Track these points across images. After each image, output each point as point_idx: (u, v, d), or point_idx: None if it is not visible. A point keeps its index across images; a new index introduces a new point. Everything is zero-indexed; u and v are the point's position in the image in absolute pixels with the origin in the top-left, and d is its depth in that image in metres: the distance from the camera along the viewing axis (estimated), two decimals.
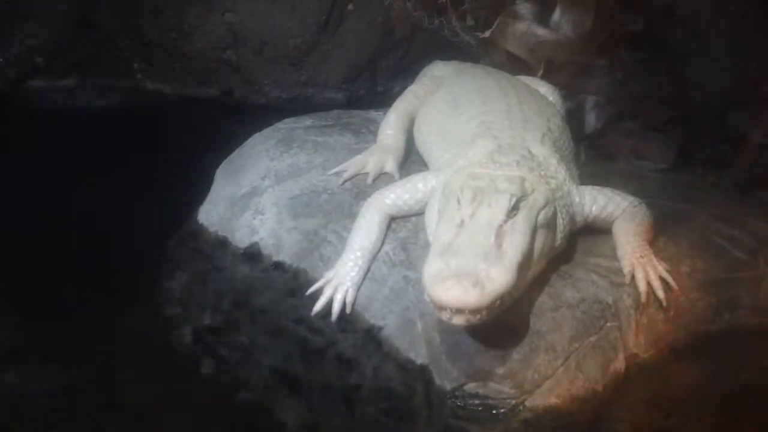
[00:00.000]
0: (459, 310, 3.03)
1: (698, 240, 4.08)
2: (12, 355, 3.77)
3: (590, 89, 5.37)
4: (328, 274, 3.85)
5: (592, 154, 5.05)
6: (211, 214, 4.53)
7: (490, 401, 3.41)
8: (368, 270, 3.85)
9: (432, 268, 3.12)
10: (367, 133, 4.74)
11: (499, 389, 3.39)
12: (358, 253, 3.84)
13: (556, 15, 5.53)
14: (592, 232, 3.94)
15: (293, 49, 6.26)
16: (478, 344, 3.41)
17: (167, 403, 3.54)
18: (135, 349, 3.79)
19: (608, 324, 3.62)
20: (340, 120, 4.94)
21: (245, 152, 4.68)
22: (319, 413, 3.53)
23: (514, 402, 3.40)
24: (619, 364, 3.60)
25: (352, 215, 4.05)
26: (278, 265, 4.16)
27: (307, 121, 4.89)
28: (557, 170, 3.76)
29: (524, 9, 5.63)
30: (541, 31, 5.57)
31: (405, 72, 6.13)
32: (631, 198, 3.91)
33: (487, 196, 3.36)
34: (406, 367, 3.57)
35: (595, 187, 3.95)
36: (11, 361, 3.71)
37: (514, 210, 3.34)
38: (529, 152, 3.74)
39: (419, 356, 3.55)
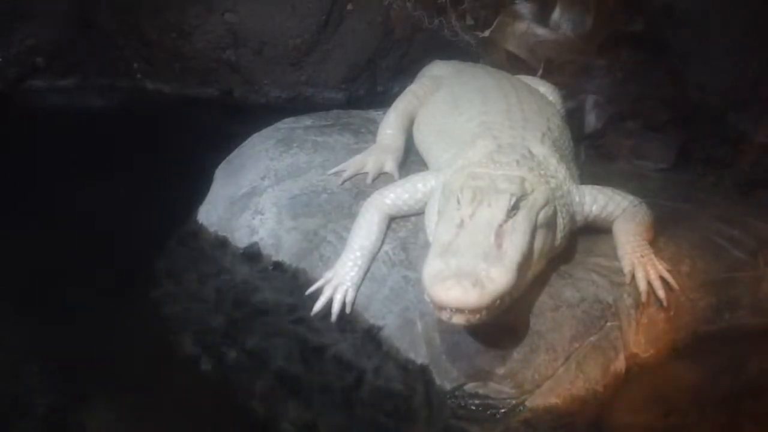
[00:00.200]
0: (459, 310, 3.03)
1: (698, 240, 4.08)
2: (12, 354, 3.76)
3: (590, 89, 5.37)
4: (328, 274, 3.85)
5: (592, 153, 5.06)
6: (211, 214, 4.53)
7: (491, 401, 3.41)
8: (368, 270, 3.85)
9: (432, 268, 3.11)
10: (367, 133, 4.74)
11: (500, 389, 3.39)
12: (358, 253, 3.84)
13: (556, 14, 5.53)
14: (592, 232, 3.94)
15: (293, 49, 6.26)
16: (478, 344, 3.41)
17: (167, 403, 3.54)
18: (135, 349, 3.79)
19: (608, 324, 3.62)
20: (339, 120, 4.94)
21: (245, 152, 4.68)
22: (319, 413, 3.52)
23: (514, 402, 3.40)
24: (620, 363, 3.59)
25: (351, 215, 4.05)
26: (278, 265, 4.16)
27: (306, 121, 4.89)
28: (557, 170, 3.76)
29: (524, 8, 5.63)
30: (540, 31, 5.57)
31: (405, 72, 6.13)
32: (631, 197, 3.90)
33: (487, 196, 3.36)
34: (406, 367, 3.57)
35: (596, 186, 3.94)
36: (11, 361, 3.70)
37: (514, 210, 3.34)
38: (529, 152, 3.74)
39: (419, 356, 3.55)
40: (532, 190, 3.48)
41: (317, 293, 3.82)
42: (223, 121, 6.09)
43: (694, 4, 5.33)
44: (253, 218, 4.30)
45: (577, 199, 3.81)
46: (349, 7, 6.27)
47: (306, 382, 3.63)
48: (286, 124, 4.84)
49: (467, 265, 3.09)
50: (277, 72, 6.32)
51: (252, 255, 4.24)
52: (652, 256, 3.78)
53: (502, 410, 3.40)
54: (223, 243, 4.38)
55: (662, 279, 3.74)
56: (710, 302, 3.92)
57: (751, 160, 5.02)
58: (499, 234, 3.24)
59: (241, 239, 4.30)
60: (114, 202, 4.84)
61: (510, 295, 3.15)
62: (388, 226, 3.95)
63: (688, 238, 4.06)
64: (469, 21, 5.94)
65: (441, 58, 5.41)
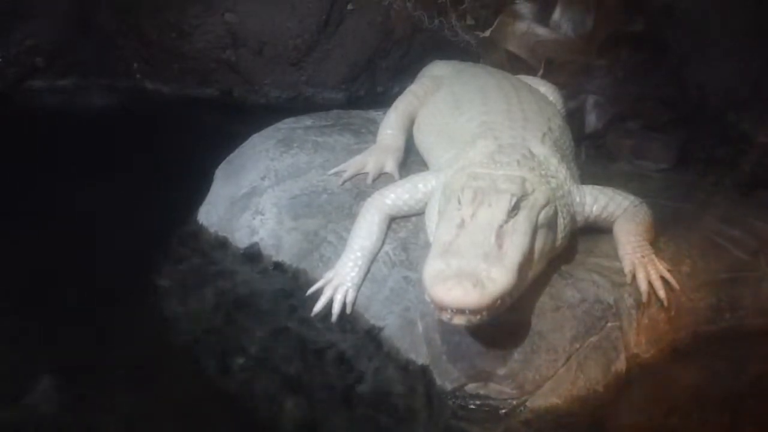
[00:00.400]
0: (459, 311, 3.02)
1: (699, 240, 4.07)
2: (12, 354, 3.75)
3: (591, 89, 5.37)
4: (328, 275, 3.85)
5: (593, 154, 5.06)
6: (211, 214, 4.53)
7: (491, 402, 3.40)
8: (368, 270, 3.85)
9: (432, 268, 3.11)
10: (367, 133, 4.74)
11: (500, 390, 3.39)
12: (358, 254, 3.84)
13: (557, 14, 5.53)
14: (593, 232, 3.93)
15: (293, 49, 6.26)
16: (479, 345, 3.41)
17: (167, 403, 3.54)
18: (135, 349, 3.78)
19: (609, 324, 3.62)
20: (339, 120, 4.94)
21: (245, 152, 4.68)
22: (319, 414, 3.51)
23: (515, 402, 3.40)
24: (621, 364, 3.59)
25: (352, 216, 4.05)
26: (278, 266, 4.16)
27: (306, 121, 4.88)
28: (558, 170, 3.75)
29: (524, 8, 5.63)
30: (541, 31, 5.57)
31: (405, 72, 6.12)
32: (632, 198, 3.90)
33: (488, 196, 3.36)
34: (406, 367, 3.56)
35: (596, 186, 3.94)
36: (11, 361, 3.70)
37: (514, 210, 3.34)
38: (530, 152, 3.73)
39: (420, 357, 3.54)
40: (533, 191, 3.48)
41: (317, 294, 3.82)
42: (223, 122, 6.08)
43: (694, 4, 5.34)
44: (254, 218, 4.30)
45: (577, 199, 3.80)
46: (349, 7, 6.26)
47: (306, 383, 3.62)
48: (286, 125, 4.83)
49: (468, 265, 3.09)
50: (277, 72, 6.32)
51: (252, 255, 4.23)
52: (653, 256, 3.77)
53: (503, 411, 3.39)
54: (223, 243, 4.38)
55: (663, 279, 3.73)
56: (711, 302, 3.91)
57: (752, 161, 5.02)
58: (499, 234, 3.24)
59: (241, 239, 4.30)
60: (114, 202, 4.83)
61: (511, 295, 3.15)
62: (389, 227, 3.95)
63: (688, 238, 4.06)
64: (470, 21, 5.93)
65: (441, 58, 5.41)
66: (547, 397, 3.42)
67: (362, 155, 4.41)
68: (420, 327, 3.57)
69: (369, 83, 6.35)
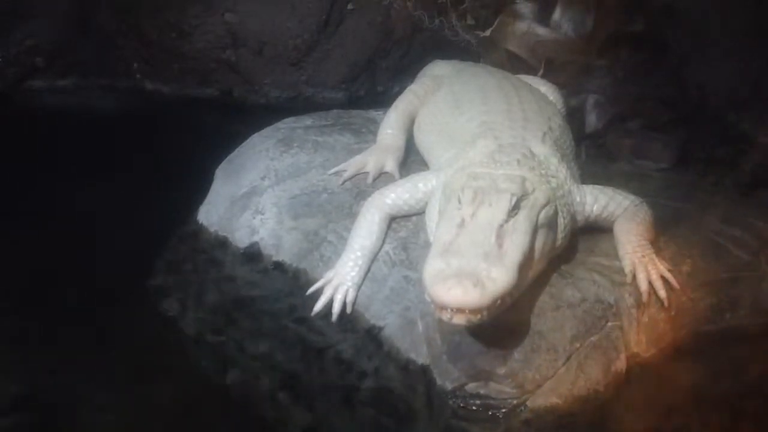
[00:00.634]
0: (460, 310, 3.02)
1: (699, 240, 4.07)
2: (11, 354, 3.75)
3: (591, 89, 5.37)
4: (329, 274, 3.85)
5: (593, 153, 5.06)
6: (211, 214, 4.53)
7: (492, 401, 3.40)
8: (368, 270, 3.85)
9: (432, 267, 3.11)
10: (367, 133, 4.74)
11: (501, 389, 3.38)
12: (359, 253, 3.84)
13: (557, 14, 5.54)
14: (593, 232, 3.93)
15: (293, 49, 6.27)
16: (479, 344, 3.40)
17: (167, 403, 3.54)
18: (134, 349, 3.78)
19: (609, 323, 3.61)
20: (340, 120, 4.94)
21: (245, 152, 4.67)
22: (319, 413, 3.52)
23: (515, 402, 3.39)
24: (621, 363, 3.59)
25: (352, 215, 4.05)
26: (278, 265, 4.16)
27: (307, 120, 4.88)
28: (558, 169, 3.75)
29: (525, 8, 5.64)
30: (541, 31, 5.58)
31: (405, 71, 6.13)
32: (632, 197, 3.90)
33: (488, 196, 3.36)
34: (406, 367, 3.56)
35: (597, 186, 3.94)
36: (11, 361, 3.70)
37: (514, 209, 3.33)
38: (530, 152, 3.73)
39: (420, 356, 3.54)
40: (533, 190, 3.47)
41: (318, 293, 3.82)
42: (223, 121, 6.09)
43: (694, 4, 5.34)
44: (254, 218, 4.30)
45: (578, 198, 3.80)
46: (350, 6, 6.27)
47: (306, 382, 3.63)
48: (286, 124, 4.83)
49: (468, 265, 3.08)
50: (277, 72, 6.32)
51: (252, 255, 4.23)
52: (653, 255, 3.77)
53: (503, 410, 3.39)
54: (223, 243, 4.38)
55: (663, 279, 3.72)
56: (711, 302, 3.91)
57: (752, 161, 5.02)
58: (500, 234, 3.23)
59: (241, 239, 4.30)
60: (114, 201, 4.83)
61: (511, 295, 3.15)
62: (389, 226, 3.95)
63: (689, 237, 4.06)
64: (470, 20, 5.94)
65: (441, 58, 5.40)
66: (548, 397, 3.41)
67: (362, 155, 4.41)
68: (420, 326, 3.57)
69: (369, 83, 6.35)
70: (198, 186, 4.70)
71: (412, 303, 3.65)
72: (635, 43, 5.47)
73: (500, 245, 3.19)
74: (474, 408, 3.40)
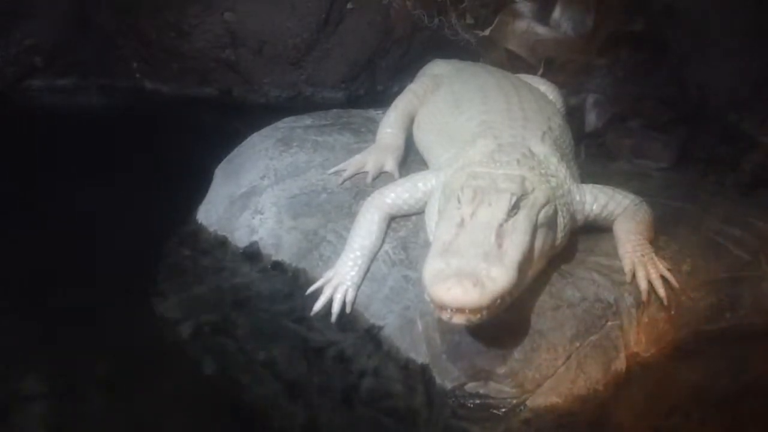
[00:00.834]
0: (459, 310, 3.02)
1: (699, 239, 4.07)
2: (11, 355, 3.75)
3: (591, 88, 5.38)
4: (328, 274, 3.84)
5: (593, 153, 5.07)
6: (211, 213, 4.52)
7: (491, 401, 3.40)
8: (368, 269, 3.85)
9: (432, 267, 3.11)
10: (367, 133, 4.73)
11: (500, 389, 3.38)
12: (358, 253, 3.84)
13: (556, 13, 5.54)
14: (592, 231, 3.93)
15: (292, 49, 6.27)
16: (479, 344, 3.40)
17: (166, 402, 3.53)
18: (134, 349, 3.77)
19: (609, 323, 3.61)
20: (339, 119, 4.93)
21: (244, 152, 4.67)
22: (318, 413, 3.51)
23: (515, 401, 3.39)
24: (621, 363, 3.59)
25: (351, 215, 4.05)
26: (277, 265, 4.16)
27: (306, 120, 4.88)
28: (558, 169, 3.75)
29: (524, 7, 5.64)
30: (541, 30, 5.58)
31: (404, 71, 6.13)
32: (632, 196, 3.90)
33: (488, 196, 3.35)
34: (406, 366, 3.56)
35: (596, 185, 3.94)
36: (11, 361, 3.69)
37: (514, 209, 3.33)
38: (530, 151, 3.73)
39: (420, 356, 3.54)
40: (533, 190, 3.47)
41: (317, 293, 3.82)
42: (223, 121, 6.09)
43: (694, 4, 5.34)
44: (253, 218, 4.30)
45: (577, 198, 3.80)
46: (349, 6, 6.27)
47: (306, 382, 3.62)
48: (285, 124, 4.83)
49: (468, 264, 3.08)
50: (277, 71, 6.32)
51: (252, 254, 4.23)
52: (653, 255, 3.77)
53: (503, 410, 3.39)
54: (222, 242, 4.38)
55: (663, 278, 3.73)
56: (711, 302, 3.90)
57: (753, 160, 5.02)
58: (499, 233, 3.23)
59: (240, 239, 4.30)
60: (114, 201, 4.83)
61: (510, 294, 3.14)
62: (389, 226, 3.94)
63: (689, 237, 4.05)
64: (469, 20, 5.94)
65: (441, 57, 5.40)
66: (547, 396, 3.41)
67: (362, 154, 4.40)
68: (420, 326, 3.57)
69: (369, 82, 6.35)
70: (197, 185, 4.70)
71: (411, 302, 3.65)
72: (635, 43, 5.47)
73: (500, 245, 3.19)
74: (473, 407, 3.40)
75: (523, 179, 3.49)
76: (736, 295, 3.96)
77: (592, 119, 5.31)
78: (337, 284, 3.80)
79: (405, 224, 3.98)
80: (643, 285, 3.69)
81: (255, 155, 4.58)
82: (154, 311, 4.02)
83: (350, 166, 4.35)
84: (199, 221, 4.54)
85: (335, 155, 4.50)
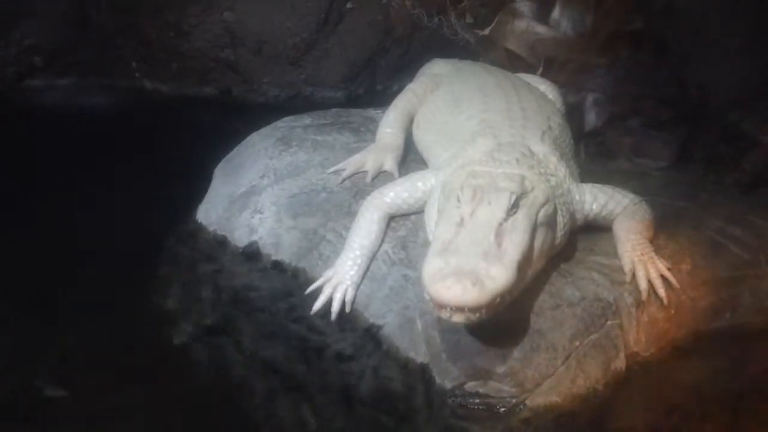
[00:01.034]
0: (459, 309, 3.02)
1: (699, 238, 4.06)
2: (11, 355, 3.75)
3: (590, 87, 5.37)
4: (328, 273, 3.84)
5: (593, 152, 5.07)
6: (210, 213, 4.52)
7: (491, 400, 3.39)
8: (368, 269, 3.84)
9: (432, 266, 3.10)
10: (366, 132, 4.73)
11: (500, 388, 3.38)
12: (358, 252, 3.83)
13: (556, 13, 5.54)
14: (592, 230, 3.93)
15: (292, 48, 6.26)
16: (479, 343, 3.40)
17: (166, 402, 3.53)
18: (134, 349, 3.77)
19: (609, 322, 3.61)
20: (339, 119, 4.93)
21: (244, 151, 4.67)
22: (318, 413, 3.51)
23: (514, 401, 3.39)
24: (620, 362, 3.58)
25: (351, 214, 4.04)
26: (277, 264, 4.15)
27: (306, 119, 4.88)
28: (557, 168, 3.75)
29: (524, 6, 5.64)
30: (540, 29, 5.58)
31: (404, 70, 6.12)
32: (631, 196, 3.89)
33: (487, 195, 3.35)
34: (406, 366, 3.56)
35: (596, 184, 3.93)
36: (11, 361, 3.69)
37: (514, 208, 3.33)
38: (529, 150, 3.73)
39: (419, 355, 3.53)
40: (533, 189, 3.47)
41: (317, 292, 3.82)
42: (222, 121, 6.09)
43: (694, 3, 5.33)
44: (253, 217, 4.29)
45: (577, 197, 3.80)
46: (349, 5, 6.26)
47: (305, 382, 3.63)
48: (285, 123, 4.82)
49: (467, 263, 3.08)
50: (276, 71, 6.31)
51: (251, 254, 4.23)
52: (653, 254, 3.76)
53: (503, 409, 3.39)
54: (222, 242, 4.37)
55: (663, 277, 3.72)
56: (711, 301, 3.90)
57: (753, 160, 5.01)
58: (499, 232, 3.23)
59: (240, 238, 4.29)
60: (113, 201, 4.84)
61: (510, 293, 3.14)
62: (388, 225, 3.94)
63: (689, 236, 4.05)
64: (469, 19, 5.94)
65: (441, 57, 5.40)
66: (547, 396, 3.41)
67: (361, 154, 4.40)
68: (419, 325, 3.56)
69: (368, 82, 6.35)
70: (197, 185, 4.70)
71: (411, 302, 3.65)
72: (635, 42, 5.47)
73: (499, 244, 3.19)
74: (473, 407, 3.40)
75: (523, 178, 3.49)
76: (736, 295, 3.96)
77: (591, 118, 5.30)
78: (337, 283, 3.79)
79: (404, 223, 3.98)
80: (642, 284, 3.69)
81: (254, 155, 4.58)
82: (153, 311, 4.02)
83: (350, 165, 4.34)
84: (199, 221, 4.54)
85: (335, 155, 4.50)
